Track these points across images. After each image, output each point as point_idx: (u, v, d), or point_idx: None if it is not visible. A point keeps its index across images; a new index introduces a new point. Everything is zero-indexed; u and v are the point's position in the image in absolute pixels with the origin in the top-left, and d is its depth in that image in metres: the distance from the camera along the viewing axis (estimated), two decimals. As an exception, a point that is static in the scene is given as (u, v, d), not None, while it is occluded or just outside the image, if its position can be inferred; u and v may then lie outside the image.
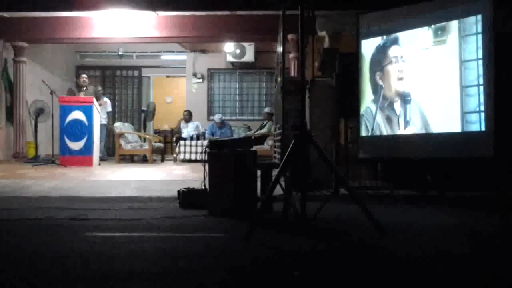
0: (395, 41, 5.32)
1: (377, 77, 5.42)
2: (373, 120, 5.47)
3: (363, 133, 5.56)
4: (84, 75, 10.96)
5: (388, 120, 5.37)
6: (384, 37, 5.41)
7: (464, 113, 4.82)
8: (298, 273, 2.56)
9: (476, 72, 4.72)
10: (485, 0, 4.71)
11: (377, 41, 5.48)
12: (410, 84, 5.20)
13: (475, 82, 4.73)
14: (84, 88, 10.65)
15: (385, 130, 5.40)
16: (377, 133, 5.46)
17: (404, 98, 5.25)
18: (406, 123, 5.23)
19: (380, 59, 5.43)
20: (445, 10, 5.00)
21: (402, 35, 5.29)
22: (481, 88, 4.68)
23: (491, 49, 4.62)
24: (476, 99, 4.72)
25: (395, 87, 5.31)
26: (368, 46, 5.56)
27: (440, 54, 5.01)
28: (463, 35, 4.84)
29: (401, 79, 5.26)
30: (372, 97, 5.50)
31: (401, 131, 5.29)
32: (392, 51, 5.34)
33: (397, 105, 5.30)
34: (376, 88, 5.46)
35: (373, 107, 5.49)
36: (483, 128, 4.68)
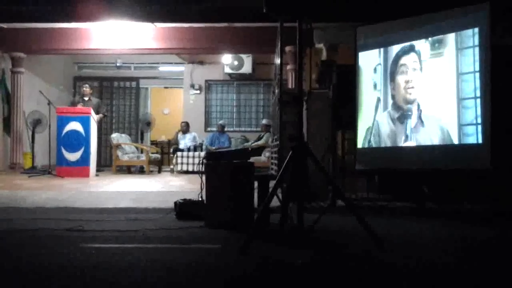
0: (405, 52, 5.32)
1: (390, 88, 5.40)
2: (378, 132, 5.47)
3: (366, 144, 5.55)
4: (86, 85, 10.87)
5: (392, 132, 5.37)
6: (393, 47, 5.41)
7: (461, 125, 4.83)
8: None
9: (473, 84, 4.74)
10: (482, 13, 4.73)
11: (377, 52, 5.50)
12: (413, 95, 5.22)
13: (472, 94, 4.74)
14: (87, 99, 10.54)
15: (387, 142, 5.41)
16: (380, 145, 5.45)
17: (406, 110, 5.26)
18: (406, 135, 5.24)
19: (391, 70, 5.41)
20: (442, 23, 5.02)
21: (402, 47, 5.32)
22: (478, 100, 4.69)
23: (488, 62, 4.64)
24: (473, 111, 4.73)
25: (404, 98, 5.30)
26: (366, 58, 5.58)
27: (437, 66, 5.03)
28: (460, 48, 4.86)
29: (409, 90, 5.25)
30: (374, 109, 5.51)
31: (401, 143, 5.30)
32: (402, 61, 5.33)
33: (401, 117, 5.31)
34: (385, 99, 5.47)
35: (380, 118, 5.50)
36: (480, 141, 4.69)
